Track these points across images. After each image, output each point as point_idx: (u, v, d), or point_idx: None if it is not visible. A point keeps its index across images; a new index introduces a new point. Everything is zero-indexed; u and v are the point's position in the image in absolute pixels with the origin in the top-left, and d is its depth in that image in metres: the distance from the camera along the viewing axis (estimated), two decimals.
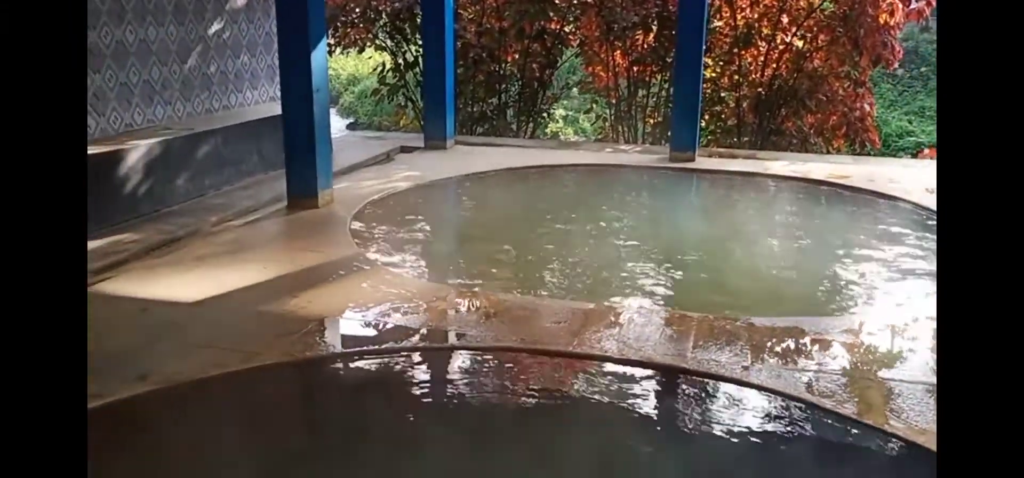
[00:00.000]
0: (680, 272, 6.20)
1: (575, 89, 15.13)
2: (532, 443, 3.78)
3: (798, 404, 3.89)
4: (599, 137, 14.08)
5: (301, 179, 7.21)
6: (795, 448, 3.74)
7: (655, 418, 4.06)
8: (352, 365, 4.42)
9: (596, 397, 4.18)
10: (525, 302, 5.23)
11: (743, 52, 12.18)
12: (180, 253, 6.04)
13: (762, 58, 12.29)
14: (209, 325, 4.71)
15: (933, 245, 6.44)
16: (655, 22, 12.06)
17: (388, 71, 12.91)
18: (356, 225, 6.90)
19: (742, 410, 3.97)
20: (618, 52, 12.69)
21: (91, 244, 6.00)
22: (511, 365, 4.40)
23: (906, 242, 6.80)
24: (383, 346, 4.54)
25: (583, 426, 3.90)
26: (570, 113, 17.77)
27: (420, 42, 12.18)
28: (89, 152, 6.47)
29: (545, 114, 13.71)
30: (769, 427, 3.88)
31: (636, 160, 9.67)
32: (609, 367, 4.32)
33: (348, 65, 22.10)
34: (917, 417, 3.71)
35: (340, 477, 3.54)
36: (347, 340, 4.77)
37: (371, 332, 4.73)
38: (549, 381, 4.32)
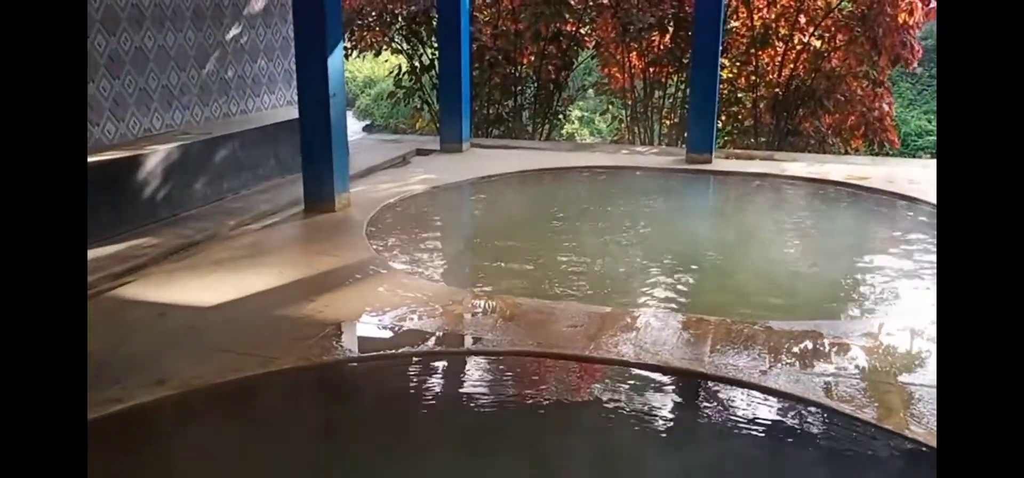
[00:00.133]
0: (698, 275, 6.18)
1: (591, 91, 15.11)
2: (551, 449, 3.77)
3: (817, 409, 3.86)
4: (615, 138, 14.06)
5: (318, 183, 7.24)
6: (814, 453, 3.71)
7: (673, 424, 4.03)
8: (370, 369, 4.43)
9: (614, 402, 4.16)
10: (541, 306, 5.22)
11: (760, 52, 12.13)
12: (198, 257, 6.08)
13: (779, 58, 12.24)
14: (227, 329, 4.73)
15: None
16: (671, 23, 12.04)
17: (404, 74, 12.94)
18: (372, 229, 6.92)
19: (761, 415, 3.94)
20: (634, 53, 12.66)
21: (110, 248, 6.06)
22: (528, 370, 4.39)
23: (925, 244, 6.74)
24: (400, 350, 4.54)
25: (600, 431, 3.89)
26: (586, 114, 17.76)
27: (436, 45, 12.21)
28: (109, 157, 6.54)
29: (561, 116, 13.70)
30: (788, 432, 3.85)
31: (653, 162, 9.64)
32: (626, 372, 4.30)
33: (364, 68, 22.19)
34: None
35: None
36: (364, 344, 4.78)
37: (388, 336, 4.74)
38: (566, 386, 4.32)
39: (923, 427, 3.65)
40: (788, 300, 5.62)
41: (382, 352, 4.59)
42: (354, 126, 18.30)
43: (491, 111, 12.94)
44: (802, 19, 11.97)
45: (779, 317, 4.97)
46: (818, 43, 12.04)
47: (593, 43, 13.20)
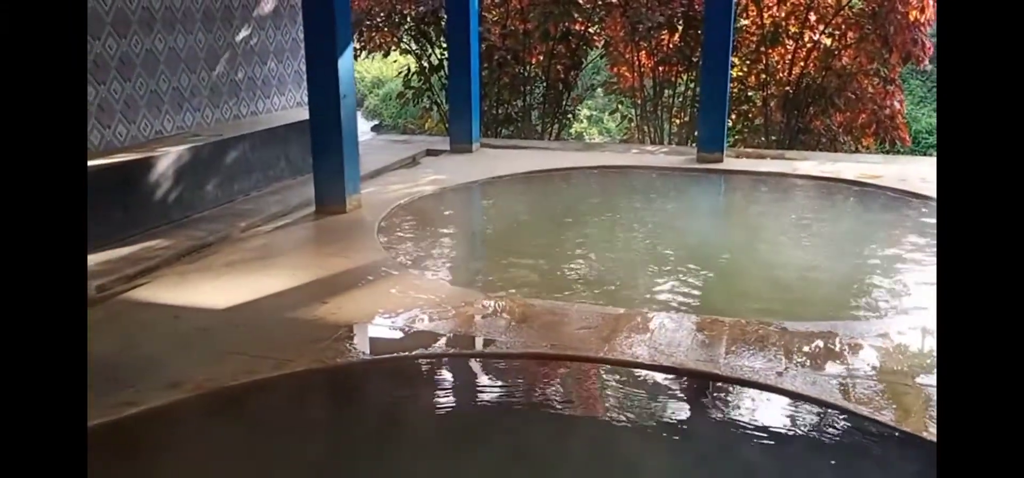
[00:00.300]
0: (711, 275, 6.15)
1: (600, 90, 15.07)
2: (565, 450, 3.75)
3: (835, 411, 3.83)
4: (624, 138, 14.02)
5: (329, 185, 7.23)
6: (833, 456, 3.69)
7: (689, 426, 4.01)
8: (384, 372, 4.42)
9: (629, 404, 4.14)
10: (554, 307, 5.20)
11: (770, 50, 12.08)
12: (210, 259, 6.08)
13: (789, 56, 12.18)
14: (240, 331, 4.73)
15: None
16: (681, 22, 11.99)
17: (413, 74, 12.94)
18: (383, 230, 6.91)
19: (778, 417, 3.92)
20: (643, 52, 12.63)
21: (123, 251, 6.06)
22: (543, 372, 4.38)
23: None
24: (414, 352, 4.53)
25: (617, 434, 3.87)
26: (594, 113, 17.73)
27: (445, 45, 12.21)
28: (121, 160, 6.54)
29: (570, 115, 13.68)
30: (805, 434, 3.83)
31: (663, 161, 9.61)
32: (641, 373, 4.28)
33: (372, 68, 22.20)
34: None
35: None
36: (378, 346, 4.77)
37: (401, 338, 4.73)
38: (581, 388, 4.30)
39: None
40: (802, 301, 5.58)
41: (396, 354, 4.59)
42: (362, 126, 18.27)
43: (500, 111, 12.92)
44: (812, 17, 11.91)
45: (794, 318, 4.94)
46: (829, 41, 11.98)
47: (602, 42, 13.16)
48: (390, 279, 5.63)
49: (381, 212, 7.31)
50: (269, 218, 7.17)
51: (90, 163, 6.34)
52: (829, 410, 3.85)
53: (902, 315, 5.36)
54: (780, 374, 4.15)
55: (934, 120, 17.69)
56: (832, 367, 4.29)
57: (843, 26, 11.85)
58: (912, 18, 11.11)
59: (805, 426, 3.86)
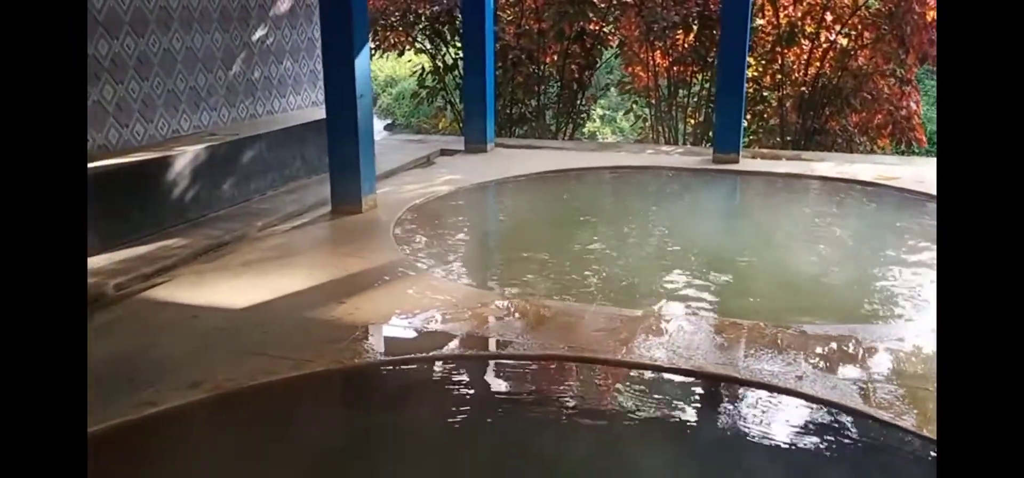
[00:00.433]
0: (730, 278, 6.12)
1: (613, 89, 15.04)
2: (583, 453, 3.74)
3: (855, 416, 3.81)
4: (639, 138, 14.00)
5: (345, 184, 7.25)
6: (854, 462, 3.66)
7: (708, 430, 4.00)
8: (402, 373, 4.42)
9: (647, 407, 4.13)
10: (570, 308, 5.19)
11: (786, 50, 12.03)
12: (228, 258, 6.10)
13: (805, 56, 12.13)
14: (258, 332, 4.74)
15: None
16: (696, 21, 11.96)
17: (427, 74, 12.94)
18: (399, 230, 6.92)
19: (797, 422, 3.90)
20: (658, 52, 12.60)
21: (141, 249, 6.09)
22: (561, 374, 4.37)
23: None
24: (431, 353, 4.53)
25: (635, 437, 3.86)
26: (607, 113, 17.69)
27: (459, 45, 12.22)
28: (138, 159, 6.57)
29: (584, 115, 13.66)
30: (826, 440, 3.80)
31: (679, 162, 9.58)
32: (659, 376, 4.26)
33: (386, 67, 22.22)
34: None
35: None
36: (395, 347, 4.77)
37: (419, 339, 4.73)
38: (599, 391, 4.29)
39: None
40: (821, 304, 5.55)
41: (413, 355, 4.59)
42: (376, 125, 18.29)
43: (514, 110, 12.91)
44: (829, 17, 11.85)
45: (813, 321, 4.92)
46: (845, 41, 11.92)
47: (617, 42, 13.14)
48: (406, 279, 5.63)
49: (396, 212, 7.31)
50: (285, 217, 7.19)
51: (108, 162, 6.38)
52: (849, 415, 3.83)
53: (923, 318, 5.32)
54: (799, 378, 4.12)
55: None
56: (851, 371, 4.26)
57: (859, 26, 11.78)
58: (929, 18, 11.05)
59: (825, 431, 3.84)
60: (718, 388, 4.18)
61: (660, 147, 11.48)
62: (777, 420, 3.92)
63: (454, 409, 4.17)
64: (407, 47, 13.22)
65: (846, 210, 8.06)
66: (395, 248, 6.36)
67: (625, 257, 6.66)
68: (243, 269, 5.85)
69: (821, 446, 3.75)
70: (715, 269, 6.26)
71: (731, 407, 4.13)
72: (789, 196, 8.42)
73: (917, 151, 12.22)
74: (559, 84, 12.97)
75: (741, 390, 4.12)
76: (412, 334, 4.81)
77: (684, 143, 12.51)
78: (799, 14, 11.94)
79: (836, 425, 3.82)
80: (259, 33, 8.34)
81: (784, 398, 4.00)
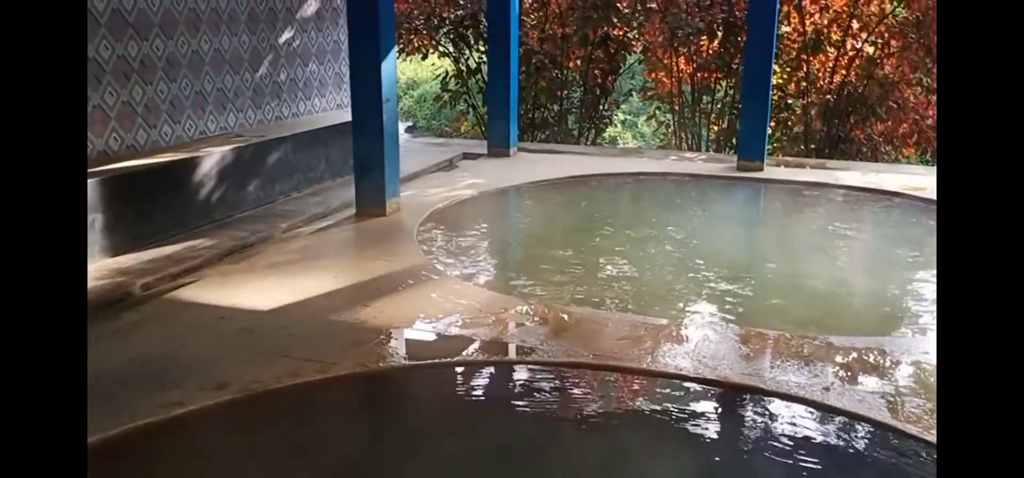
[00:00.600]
0: (756, 287, 6.08)
1: (636, 95, 15.01)
2: (610, 462, 3.73)
3: (882, 429, 3.77)
4: (661, 144, 13.96)
5: (370, 188, 7.28)
6: (881, 476, 3.62)
7: (733, 441, 3.97)
8: (426, 377, 4.43)
9: (674, 417, 4.11)
10: (595, 315, 5.18)
11: (811, 58, 11.95)
12: (253, 260, 6.14)
13: (831, 64, 12.05)
14: (284, 334, 4.77)
15: None
16: (720, 28, 11.91)
17: (450, 77, 12.98)
18: (423, 233, 6.94)
19: (823, 434, 3.86)
20: (681, 58, 12.56)
21: (168, 249, 6.15)
22: (585, 381, 4.36)
23: None
24: (456, 358, 4.54)
25: (661, 447, 3.84)
26: (628, 118, 17.64)
27: (482, 48, 12.24)
28: (166, 160, 6.63)
29: (606, 120, 13.64)
30: (853, 453, 3.77)
31: (703, 169, 9.54)
32: (685, 386, 4.24)
33: (407, 70, 22.29)
34: None
35: None
36: (420, 351, 4.78)
37: (443, 343, 4.74)
38: (624, 399, 4.28)
39: None
40: (847, 314, 5.51)
41: (438, 359, 4.59)
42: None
43: (536, 115, 12.92)
44: (855, 24, 11.77)
45: (840, 332, 4.88)
46: (871, 49, 11.83)
47: (640, 47, 13.11)
48: (430, 283, 5.65)
49: (420, 216, 7.33)
50: (310, 219, 7.23)
51: (136, 163, 6.44)
52: (877, 428, 3.79)
53: None
54: (826, 389, 4.09)
55: None
56: (879, 384, 4.22)
57: (886, 35, 11.69)
58: None
59: (853, 444, 3.80)
60: (744, 399, 4.15)
61: (683, 153, 11.43)
62: (804, 432, 3.89)
63: (479, 415, 4.17)
64: (431, 50, 13.27)
65: (871, 220, 7.99)
66: (419, 252, 6.38)
67: (649, 264, 6.64)
68: (269, 271, 5.89)
69: (848, 459, 3.72)
70: (740, 278, 6.22)
71: (757, 418, 4.10)
72: (814, 205, 8.36)
73: None
74: (582, 89, 12.96)
75: (767, 401, 4.09)
76: (436, 338, 4.82)
77: (707, 150, 12.45)
78: (825, 22, 11.87)
79: (863, 438, 3.79)
80: (286, 35, 8.40)
81: (811, 410, 3.97)
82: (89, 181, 5.79)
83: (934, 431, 3.71)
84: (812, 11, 11.90)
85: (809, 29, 11.85)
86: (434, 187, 8.50)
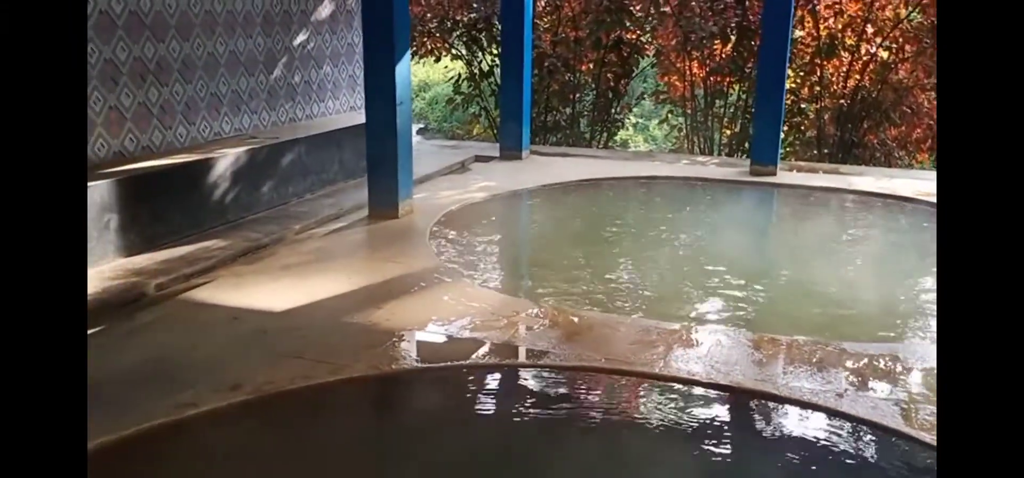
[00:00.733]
0: (769, 292, 6.06)
1: (648, 100, 15.00)
2: (623, 466, 3.73)
3: (897, 437, 3.76)
4: (674, 147, 13.93)
5: (383, 190, 7.30)
6: None
7: (746, 447, 3.96)
8: (437, 380, 4.44)
9: (685, 421, 4.10)
10: (607, 319, 5.18)
11: (825, 62, 11.91)
12: (267, 261, 6.17)
13: (845, 69, 12.00)
14: (297, 335, 4.78)
15: None
16: (734, 32, 11.88)
17: (463, 80, 13.00)
18: (435, 236, 6.95)
19: (837, 442, 3.84)
20: (694, 62, 12.54)
21: (182, 250, 6.18)
22: (597, 386, 4.36)
23: None
24: (468, 362, 4.54)
25: (674, 452, 3.83)
26: (640, 121, 17.62)
27: (495, 51, 12.25)
28: (181, 161, 6.67)
29: (619, 124, 13.64)
30: (867, 461, 3.75)
31: (716, 173, 9.52)
32: (698, 391, 4.23)
33: (420, 72, 22.34)
34: None
35: None
36: (431, 354, 4.78)
37: (455, 347, 4.74)
38: (636, 404, 4.27)
39: None
40: (861, 321, 5.48)
41: (450, 363, 4.59)
42: None
43: (549, 118, 12.92)
44: (869, 29, 11.72)
45: (854, 338, 4.86)
46: (885, 54, 11.78)
47: (653, 51, 13.10)
48: (442, 286, 5.66)
49: (433, 218, 7.35)
50: (323, 221, 7.26)
51: (152, 164, 6.48)
52: (891, 435, 3.78)
53: None
54: (840, 396, 4.08)
55: None
56: (893, 391, 4.20)
57: (901, 39, 11.64)
58: None
59: (867, 453, 3.79)
60: (757, 404, 4.13)
61: (695, 157, 11.41)
62: (817, 439, 3.88)
63: (491, 419, 4.18)
64: (444, 53, 13.30)
65: (886, 226, 7.96)
66: (431, 254, 6.39)
67: (661, 268, 6.63)
68: (282, 272, 5.91)
69: (861, 467, 3.70)
70: (753, 283, 6.20)
71: (770, 424, 4.09)
72: (828, 211, 8.33)
73: None
74: (594, 92, 12.96)
75: (780, 407, 4.08)
76: (449, 341, 4.83)
77: (719, 154, 12.43)
78: (839, 26, 11.83)
79: (879, 447, 3.77)
80: (300, 38, 8.44)
81: (823, 416, 3.95)
82: (104, 182, 5.83)
83: None
84: (826, 15, 11.85)
85: (823, 33, 11.81)
86: (446, 189, 8.51)
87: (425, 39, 13.13)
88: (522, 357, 4.67)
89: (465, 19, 12.71)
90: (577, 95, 12.97)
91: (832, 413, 3.96)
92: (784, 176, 9.21)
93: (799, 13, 11.69)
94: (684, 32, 12.09)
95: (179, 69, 7.02)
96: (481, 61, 12.89)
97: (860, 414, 3.92)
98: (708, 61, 12.40)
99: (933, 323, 5.55)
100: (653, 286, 6.26)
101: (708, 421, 4.09)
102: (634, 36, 12.56)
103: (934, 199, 8.15)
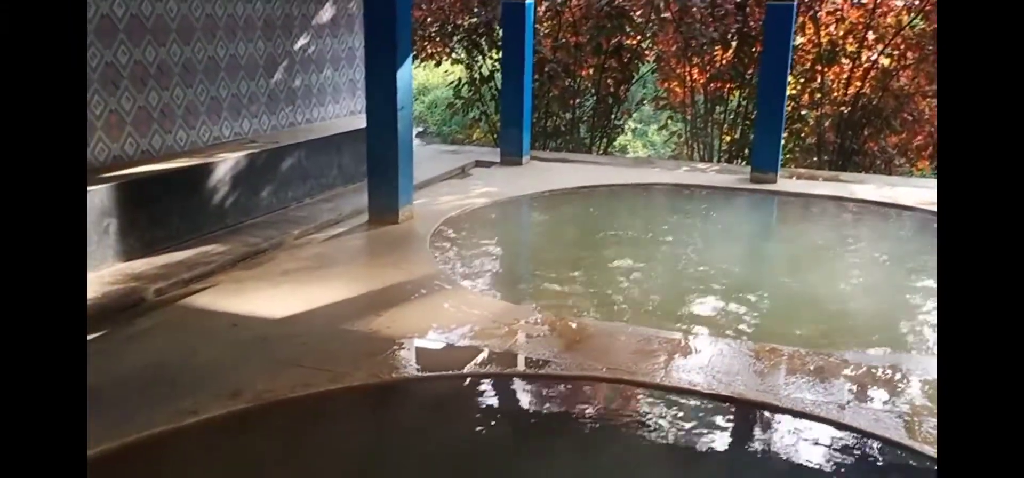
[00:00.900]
0: (771, 302, 6.05)
1: (648, 106, 14.99)
2: (623, 476, 3.72)
3: (900, 450, 3.74)
4: (673, 154, 13.92)
5: (383, 196, 7.27)
6: None
7: (746, 458, 3.94)
8: (438, 388, 4.42)
9: (687, 432, 4.08)
10: (608, 328, 5.17)
11: (826, 69, 11.91)
12: (266, 267, 6.14)
13: (845, 76, 12.00)
14: (297, 342, 4.76)
15: None
16: (735, 38, 11.88)
17: (463, 85, 12.99)
18: (436, 242, 6.93)
19: (839, 453, 3.83)
20: (695, 68, 12.54)
21: (181, 255, 6.15)
22: (599, 395, 4.34)
23: None
24: (468, 370, 4.52)
25: (673, 463, 3.82)
26: (639, 127, 17.61)
27: (496, 56, 12.24)
28: (181, 165, 6.65)
29: (618, 129, 13.62)
30: (868, 472, 3.73)
31: (716, 180, 9.50)
32: (699, 401, 4.21)
33: (419, 75, 22.31)
34: None
35: None
36: (432, 362, 4.77)
37: (456, 355, 4.72)
38: (638, 413, 4.25)
39: None
40: (864, 331, 5.46)
41: (450, 371, 4.58)
42: None
43: (549, 123, 12.91)
44: (871, 36, 11.72)
45: (857, 349, 4.84)
46: (887, 61, 11.78)
47: (653, 57, 13.09)
48: (443, 293, 5.64)
49: (433, 224, 7.33)
50: (322, 226, 7.24)
51: (151, 168, 6.46)
52: (894, 448, 3.76)
53: None
54: (842, 408, 4.06)
55: None
56: (896, 403, 4.19)
57: (902, 46, 11.64)
58: None
59: (869, 464, 3.77)
60: (758, 415, 4.12)
61: (695, 164, 11.39)
62: (819, 450, 3.86)
63: (492, 428, 4.15)
64: (444, 58, 13.28)
65: (887, 235, 7.95)
66: (432, 261, 6.37)
67: (663, 276, 6.61)
68: (282, 278, 5.89)
69: None
70: (755, 292, 6.19)
71: (771, 435, 4.07)
72: (829, 219, 8.31)
73: None
74: (594, 98, 12.95)
75: (781, 418, 4.06)
76: (449, 349, 4.81)
77: (718, 160, 12.41)
78: (841, 33, 11.82)
79: (881, 459, 3.75)
80: (301, 42, 8.42)
81: (826, 428, 3.94)
82: (104, 186, 5.80)
83: None
84: (828, 22, 11.85)
85: (824, 40, 11.81)
86: (447, 194, 8.49)
87: (425, 43, 13.12)
88: (522, 366, 4.65)
89: (466, 24, 12.69)
90: (577, 100, 12.95)
91: (835, 424, 3.94)
92: (785, 183, 9.20)
93: (800, 20, 11.68)
94: (685, 38, 12.08)
95: (179, 73, 7.00)
96: (481, 65, 12.87)
97: (863, 426, 3.90)
98: (708, 67, 12.39)
99: (934, 334, 5.55)
100: (654, 294, 6.24)
101: (709, 432, 4.08)
102: (634, 42, 12.55)
103: (935, 208, 8.14)
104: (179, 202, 6.47)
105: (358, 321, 5.10)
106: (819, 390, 4.23)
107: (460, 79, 13.07)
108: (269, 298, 5.45)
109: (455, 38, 12.99)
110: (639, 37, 12.56)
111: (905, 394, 4.30)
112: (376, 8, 6.95)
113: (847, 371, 4.49)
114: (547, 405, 4.34)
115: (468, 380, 4.48)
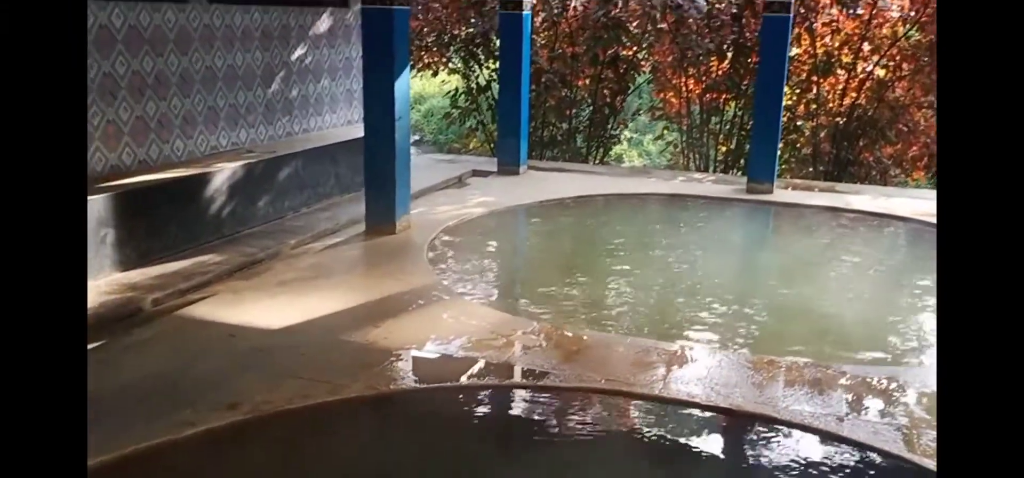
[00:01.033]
0: (769, 314, 6.05)
1: (644, 116, 15.01)
2: None
3: (898, 462, 3.74)
4: (669, 164, 13.95)
5: (380, 205, 7.27)
6: None
7: (744, 471, 3.94)
8: (436, 400, 4.41)
9: (685, 445, 4.08)
10: (606, 339, 5.17)
11: (821, 80, 11.95)
12: (264, 277, 6.13)
13: (841, 87, 12.05)
14: (295, 353, 4.75)
15: None
16: (730, 49, 11.92)
17: (460, 94, 13.01)
18: (433, 252, 6.93)
19: (838, 466, 3.83)
20: (691, 78, 12.58)
21: (178, 265, 6.14)
22: (597, 406, 4.34)
23: None
24: (466, 381, 4.52)
25: (673, 475, 3.82)
26: (634, 136, 17.65)
27: (492, 66, 12.26)
28: (178, 175, 6.64)
29: (615, 139, 13.65)
30: None
31: (712, 190, 9.52)
32: (697, 413, 4.22)
33: (415, 84, 22.34)
34: None
35: None
36: (430, 373, 4.76)
37: (454, 366, 4.72)
38: (636, 425, 4.25)
39: None
40: (865, 343, 5.47)
41: (448, 383, 4.58)
42: None
43: (545, 133, 12.93)
44: (866, 47, 11.77)
45: (855, 361, 4.85)
46: (882, 72, 11.83)
47: (649, 67, 13.13)
48: (441, 303, 5.63)
49: (430, 234, 7.32)
50: (319, 235, 7.23)
51: (149, 178, 6.45)
52: (892, 461, 3.76)
53: None
54: (840, 420, 4.07)
55: None
56: (895, 415, 4.20)
57: (898, 57, 11.69)
58: None
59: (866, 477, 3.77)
60: (756, 427, 4.12)
61: (692, 174, 11.42)
62: (817, 463, 3.86)
63: (489, 440, 4.15)
64: (441, 68, 13.30)
65: (883, 246, 7.96)
66: (429, 271, 6.37)
67: (660, 287, 6.62)
68: (279, 288, 5.88)
69: None
70: (752, 303, 6.20)
71: (769, 448, 4.07)
72: (825, 230, 8.33)
73: None
74: (591, 108, 12.98)
75: (779, 430, 4.06)
76: (447, 360, 4.80)
77: (714, 170, 12.44)
78: (836, 44, 11.87)
79: (878, 472, 3.76)
80: (298, 52, 8.42)
81: (824, 440, 3.94)
82: (101, 196, 5.79)
83: None
84: (823, 33, 11.90)
85: (820, 51, 11.85)
86: (444, 204, 8.50)
87: (422, 53, 13.14)
88: (520, 378, 4.64)
89: (463, 34, 12.72)
90: (574, 110, 12.98)
91: (833, 437, 3.95)
92: (780, 194, 9.22)
93: (796, 31, 11.73)
94: (680, 49, 12.12)
95: (177, 83, 7.00)
96: (478, 75, 12.90)
97: (861, 439, 3.90)
98: (704, 78, 12.43)
99: (935, 345, 5.56)
100: (651, 305, 6.25)
101: (708, 444, 4.08)
102: (631, 52, 12.59)
103: (931, 219, 8.16)
104: (176, 212, 6.46)
105: (356, 332, 5.10)
106: (817, 402, 4.24)
107: (457, 88, 13.09)
108: (267, 308, 5.44)
109: (452, 48, 13.01)
110: (635, 48, 12.60)
111: (903, 406, 4.31)
112: (374, 20, 6.96)
113: (845, 382, 4.49)
114: (545, 416, 4.34)
115: (466, 392, 4.47)
